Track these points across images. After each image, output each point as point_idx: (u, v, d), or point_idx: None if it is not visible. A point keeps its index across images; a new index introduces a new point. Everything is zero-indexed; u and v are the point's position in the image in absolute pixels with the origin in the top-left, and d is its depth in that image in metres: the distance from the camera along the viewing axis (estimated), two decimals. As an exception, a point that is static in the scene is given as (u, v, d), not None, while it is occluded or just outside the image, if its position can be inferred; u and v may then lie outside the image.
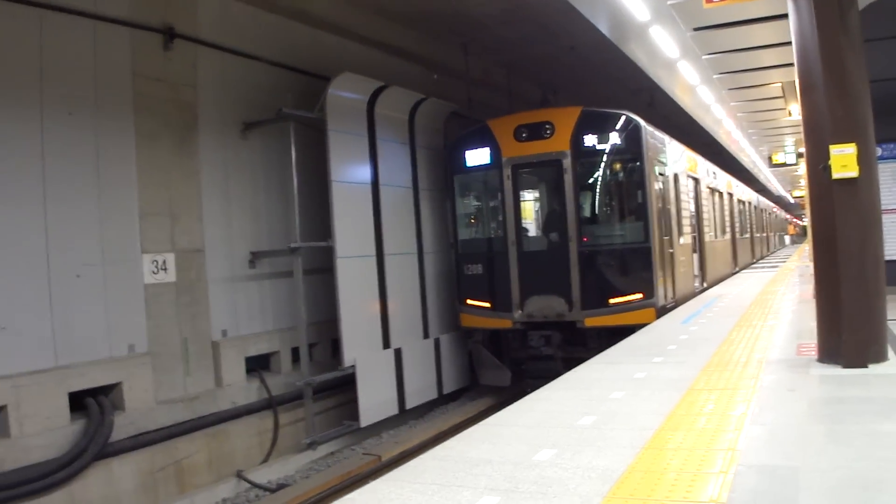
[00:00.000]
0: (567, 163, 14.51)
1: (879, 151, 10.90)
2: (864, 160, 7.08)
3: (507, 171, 15.15)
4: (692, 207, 18.78)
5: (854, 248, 7.17)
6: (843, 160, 7.02)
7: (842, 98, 7.18)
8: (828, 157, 7.10)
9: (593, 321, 14.26)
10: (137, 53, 11.39)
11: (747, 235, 31.75)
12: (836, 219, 7.18)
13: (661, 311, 14.06)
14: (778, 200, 66.20)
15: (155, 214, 11.49)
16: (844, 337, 7.24)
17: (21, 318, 9.59)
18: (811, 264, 8.49)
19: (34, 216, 9.86)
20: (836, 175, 7.07)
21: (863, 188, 7.17)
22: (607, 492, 4.39)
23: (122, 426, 10.44)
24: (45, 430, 9.55)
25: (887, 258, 7.77)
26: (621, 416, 6.19)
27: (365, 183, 14.42)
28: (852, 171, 7.02)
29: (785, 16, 7.97)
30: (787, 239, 76.63)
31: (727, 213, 25.44)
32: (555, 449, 5.30)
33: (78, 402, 10.10)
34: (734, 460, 4.78)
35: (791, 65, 7.95)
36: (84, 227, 10.50)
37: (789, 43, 7.89)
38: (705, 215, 20.40)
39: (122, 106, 11.15)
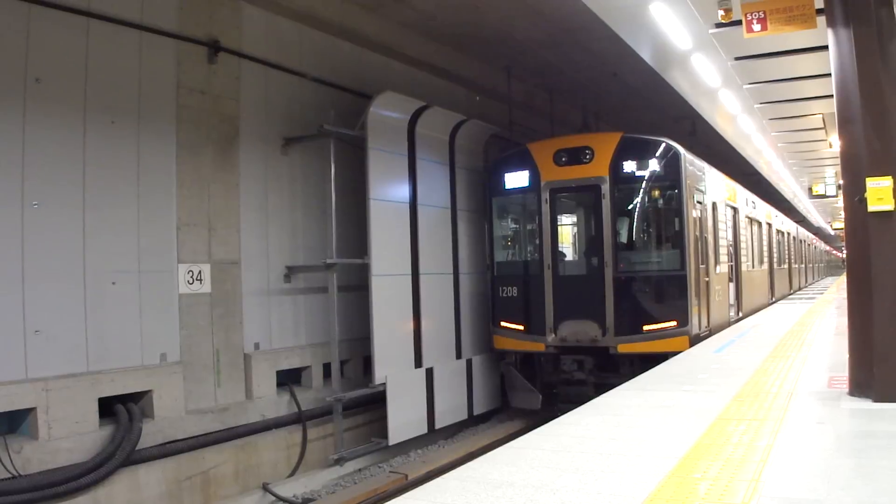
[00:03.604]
0: (605, 188, 14.49)
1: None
2: (901, 194, 7.05)
3: (546, 195, 15.15)
4: (730, 236, 18.65)
5: (888, 281, 7.12)
6: (880, 193, 7.00)
7: (879, 131, 7.16)
8: (864, 190, 7.09)
9: (626, 347, 14.20)
10: (182, 65, 11.57)
11: (785, 266, 31.46)
12: (871, 251, 7.15)
13: (695, 340, 13.96)
14: (818, 232, 65.62)
15: (193, 225, 11.61)
16: (875, 370, 7.16)
17: (55, 322, 9.68)
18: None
19: (73, 222, 9.97)
20: (871, 208, 7.05)
21: (898, 222, 7.12)
22: (627, 518, 4.40)
23: (151, 434, 10.52)
24: (74, 434, 9.63)
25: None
26: (647, 443, 6.17)
27: (403, 202, 14.48)
28: (888, 205, 7.00)
29: (827, 47, 7.93)
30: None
31: (765, 243, 25.21)
32: (578, 474, 5.30)
33: (108, 408, 10.19)
34: (757, 491, 4.75)
35: (832, 96, 7.89)
36: (121, 235, 10.61)
37: (830, 74, 7.87)
38: (743, 245, 20.25)
39: (165, 116, 11.31)
